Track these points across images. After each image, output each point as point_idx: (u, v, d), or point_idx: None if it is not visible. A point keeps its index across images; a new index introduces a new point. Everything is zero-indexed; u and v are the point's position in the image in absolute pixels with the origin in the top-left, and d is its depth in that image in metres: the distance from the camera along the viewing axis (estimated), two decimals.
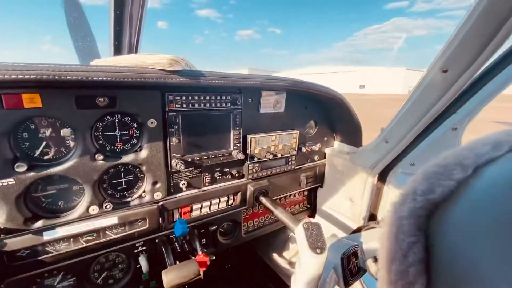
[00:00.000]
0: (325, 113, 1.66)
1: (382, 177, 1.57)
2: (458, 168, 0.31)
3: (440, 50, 1.03)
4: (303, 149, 1.63)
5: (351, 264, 0.93)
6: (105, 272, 1.18)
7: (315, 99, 1.55)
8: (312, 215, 1.93)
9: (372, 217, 1.64)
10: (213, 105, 1.17)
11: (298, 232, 0.74)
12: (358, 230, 1.19)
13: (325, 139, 1.75)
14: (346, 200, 1.70)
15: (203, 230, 1.38)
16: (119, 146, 1.04)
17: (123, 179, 1.09)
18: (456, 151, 0.34)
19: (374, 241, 1.04)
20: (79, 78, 0.75)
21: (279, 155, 1.48)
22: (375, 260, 1.04)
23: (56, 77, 0.71)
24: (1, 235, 0.85)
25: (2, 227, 0.86)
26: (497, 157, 0.31)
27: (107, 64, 0.82)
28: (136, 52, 1.28)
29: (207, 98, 1.14)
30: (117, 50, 1.24)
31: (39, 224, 0.92)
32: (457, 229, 0.28)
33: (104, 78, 0.78)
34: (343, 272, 0.90)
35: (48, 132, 0.89)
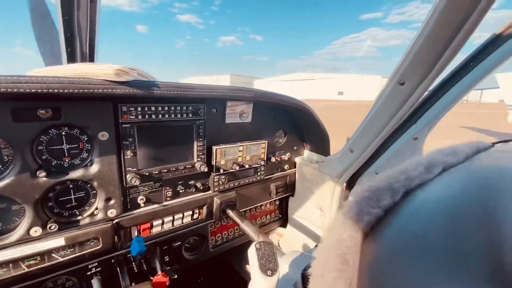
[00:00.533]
0: (294, 123, 1.66)
1: (350, 185, 1.59)
2: (388, 193, 0.30)
3: (397, 63, 1.06)
4: (273, 159, 1.62)
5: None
6: None
7: (283, 109, 1.54)
8: (283, 224, 1.91)
9: None
10: (173, 116, 1.12)
11: (250, 252, 0.71)
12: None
13: (295, 148, 1.75)
14: (316, 209, 1.70)
15: (166, 247, 1.31)
16: (67, 160, 0.96)
17: (72, 196, 1.01)
18: (389, 173, 0.33)
19: None
20: (8, 90, 0.68)
21: (247, 166, 1.45)
22: None
23: None
24: None
25: None
26: (428, 179, 0.30)
27: (47, 74, 0.75)
28: (92, 60, 1.20)
29: (166, 108, 1.09)
30: (71, 58, 1.16)
31: None
32: (377, 262, 0.26)
33: (39, 90, 0.71)
34: None
35: None
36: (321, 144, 1.67)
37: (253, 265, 0.66)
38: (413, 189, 0.30)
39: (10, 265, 0.93)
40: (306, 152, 1.80)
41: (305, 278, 0.90)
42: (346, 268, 0.28)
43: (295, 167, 1.80)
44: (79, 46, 1.09)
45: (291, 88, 69.78)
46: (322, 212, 1.67)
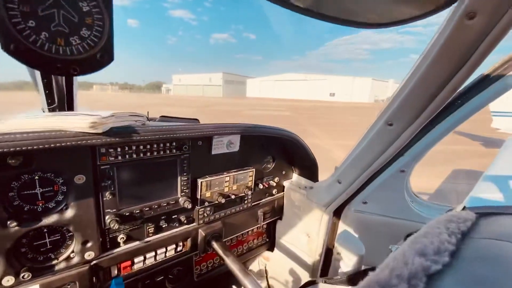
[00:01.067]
0: (282, 148, 1.64)
1: (337, 213, 1.59)
2: None
3: (386, 104, 1.06)
4: (260, 185, 1.59)
5: None
6: None
7: (271, 137, 1.52)
8: (271, 248, 1.90)
9: (328, 251, 1.65)
10: (155, 153, 1.08)
11: None
12: (306, 285, 1.17)
13: (284, 172, 1.73)
14: (303, 235, 1.69)
15: (148, 281, 1.27)
16: (41, 204, 0.91)
17: (47, 240, 0.96)
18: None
19: None
20: None
21: (233, 196, 1.42)
22: None
23: None
24: None
25: None
26: None
27: (12, 128, 0.70)
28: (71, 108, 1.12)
29: (148, 147, 1.05)
30: (51, 103, 1.09)
31: None
32: None
33: (5, 150, 0.66)
34: None
35: None
36: (309, 170, 1.66)
37: None
38: None
39: None
40: (295, 176, 1.79)
41: None
42: None
43: (283, 191, 1.78)
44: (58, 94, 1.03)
45: (283, 88, 70.00)
46: (309, 239, 1.66)
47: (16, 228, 0.84)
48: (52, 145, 0.72)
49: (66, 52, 0.95)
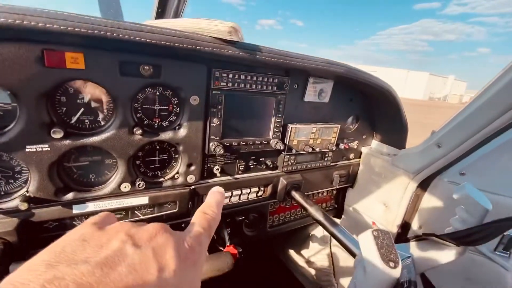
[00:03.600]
0: (369, 109, 1.53)
1: (424, 183, 1.45)
2: None
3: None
4: (341, 146, 1.52)
5: (403, 278, 0.83)
6: None
7: (363, 92, 1.42)
8: (337, 215, 1.84)
9: (405, 225, 1.53)
10: (259, 87, 1.07)
11: (366, 239, 0.64)
12: (406, 240, 1.09)
13: (364, 136, 1.63)
14: (380, 204, 1.59)
15: (229, 219, 1.31)
16: (157, 121, 0.96)
17: (156, 158, 1.02)
18: None
19: (426, 254, 0.93)
20: (132, 38, 0.66)
21: (317, 149, 1.37)
22: (423, 276, 0.94)
23: (108, 34, 0.62)
24: (31, 204, 0.79)
25: (32, 196, 0.80)
26: None
27: (161, 26, 0.72)
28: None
29: (254, 78, 1.04)
30: (160, 17, 1.14)
31: (69, 196, 0.86)
32: None
33: (157, 42, 0.68)
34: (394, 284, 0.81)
35: (87, 98, 0.81)
36: (396, 135, 1.53)
37: (371, 254, 0.60)
38: None
39: None
40: (375, 143, 1.67)
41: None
42: None
43: (359, 157, 1.69)
44: (175, 5, 1.06)
45: None
46: (386, 208, 1.56)
47: (140, 136, 0.90)
48: (193, 47, 0.73)
49: None
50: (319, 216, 1.15)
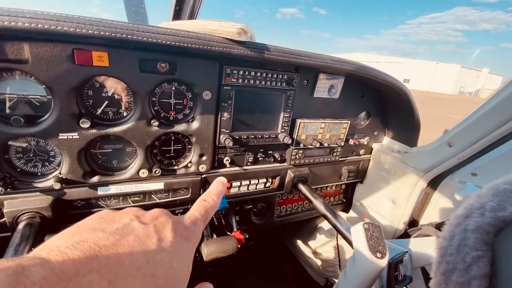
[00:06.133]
0: (381, 105, 1.53)
1: (434, 182, 1.44)
2: None
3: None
4: (351, 141, 1.54)
5: (397, 271, 0.87)
6: None
7: (374, 88, 1.42)
8: (346, 210, 1.87)
9: (413, 223, 1.54)
10: (268, 83, 1.11)
11: (357, 231, 0.69)
12: (406, 235, 1.11)
13: (375, 133, 1.63)
14: (388, 200, 1.60)
15: (238, 207, 1.39)
16: (172, 114, 1.03)
17: (172, 147, 1.11)
18: None
19: (426, 250, 0.96)
20: (149, 40, 0.73)
21: (326, 144, 1.40)
22: (424, 270, 0.97)
23: (128, 36, 0.69)
24: (63, 185, 0.91)
25: (64, 177, 0.92)
26: None
27: (176, 27, 0.79)
28: (195, 19, 1.23)
29: (264, 75, 1.09)
30: (177, 17, 1.21)
31: (95, 179, 0.97)
32: None
33: (172, 43, 0.75)
34: (388, 278, 0.85)
35: (110, 92, 0.90)
36: (408, 133, 1.52)
37: (360, 245, 0.65)
38: None
39: (121, 198, 1.08)
40: (386, 139, 1.67)
41: (391, 267, 0.86)
42: (487, 249, 0.30)
43: (370, 153, 1.69)
44: (192, 2, 1.12)
45: None
46: (394, 205, 1.57)
47: (156, 128, 0.99)
48: (204, 47, 0.79)
49: None
50: (324, 209, 1.20)
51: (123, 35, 0.69)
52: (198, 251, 1.01)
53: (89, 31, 0.66)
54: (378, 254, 0.62)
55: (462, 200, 1.04)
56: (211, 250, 0.93)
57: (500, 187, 0.33)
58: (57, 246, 0.29)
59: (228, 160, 1.20)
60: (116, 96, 0.92)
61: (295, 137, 1.30)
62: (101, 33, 0.67)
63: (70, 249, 0.29)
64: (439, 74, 50.42)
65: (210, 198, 0.49)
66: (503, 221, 0.30)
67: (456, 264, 0.32)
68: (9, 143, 0.84)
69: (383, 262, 0.61)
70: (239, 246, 1.09)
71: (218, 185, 0.53)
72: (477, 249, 0.31)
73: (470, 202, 0.36)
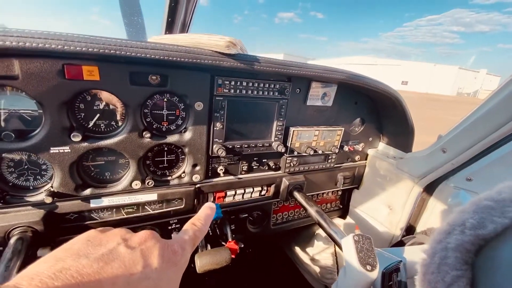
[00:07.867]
0: (375, 111, 1.53)
1: (429, 188, 1.44)
2: None
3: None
4: (345, 148, 1.54)
5: (392, 281, 0.86)
6: None
7: (367, 95, 1.42)
8: (343, 216, 1.86)
9: (410, 229, 1.53)
10: (261, 93, 1.12)
11: (347, 243, 0.68)
12: (401, 243, 1.11)
13: (370, 139, 1.63)
14: (384, 206, 1.60)
15: (233, 216, 1.38)
16: (165, 125, 1.04)
17: (165, 158, 1.11)
18: None
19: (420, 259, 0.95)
20: (138, 55, 0.73)
21: (320, 152, 1.40)
22: None
23: (117, 52, 0.70)
24: (55, 198, 0.91)
25: (55, 191, 0.92)
26: None
27: (165, 42, 0.79)
28: (187, 31, 1.25)
29: (256, 85, 1.09)
30: (169, 28, 1.22)
31: (87, 192, 0.97)
32: (506, 269, 0.27)
33: (161, 57, 0.76)
34: None
35: (102, 105, 0.91)
36: (403, 138, 1.53)
37: (351, 257, 0.65)
38: None
39: (114, 210, 1.07)
40: (382, 145, 1.67)
41: (385, 278, 0.86)
42: (468, 268, 0.30)
43: (366, 159, 1.69)
44: (183, 16, 1.14)
45: None
46: (391, 211, 1.56)
47: (148, 139, 0.99)
48: (194, 60, 0.80)
49: None
50: (319, 217, 1.19)
51: (111, 51, 0.70)
52: (192, 261, 1.01)
53: (77, 48, 0.67)
54: (368, 267, 0.61)
55: (455, 208, 1.04)
56: (204, 262, 0.92)
57: (481, 203, 0.33)
58: (39, 275, 0.29)
59: (222, 169, 1.20)
60: (110, 107, 0.92)
61: (289, 145, 1.30)
62: (90, 49, 0.68)
63: (52, 278, 0.29)
64: (437, 76, 50.66)
65: (199, 222, 0.49)
66: (483, 240, 0.30)
67: (437, 284, 0.31)
68: (1, 156, 0.84)
69: (374, 275, 0.61)
70: (233, 256, 1.08)
71: (206, 210, 0.54)
72: (457, 269, 0.30)
73: (452, 218, 0.35)
